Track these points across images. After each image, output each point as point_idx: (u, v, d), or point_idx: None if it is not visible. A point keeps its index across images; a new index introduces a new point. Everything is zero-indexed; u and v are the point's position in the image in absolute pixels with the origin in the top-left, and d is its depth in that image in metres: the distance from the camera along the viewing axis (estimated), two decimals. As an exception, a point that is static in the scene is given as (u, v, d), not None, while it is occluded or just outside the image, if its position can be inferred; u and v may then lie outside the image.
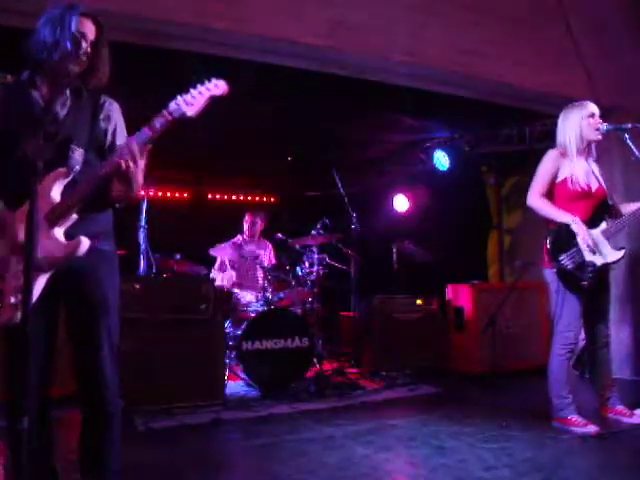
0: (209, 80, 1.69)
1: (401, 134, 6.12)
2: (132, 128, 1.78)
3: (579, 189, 3.00)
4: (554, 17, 4.28)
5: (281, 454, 2.73)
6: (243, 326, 4.26)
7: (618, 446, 2.78)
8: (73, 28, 1.70)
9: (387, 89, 4.29)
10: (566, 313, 3.00)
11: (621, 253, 3.02)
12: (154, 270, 4.46)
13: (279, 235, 5.18)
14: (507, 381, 4.43)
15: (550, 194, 3.10)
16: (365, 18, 3.68)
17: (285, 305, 4.69)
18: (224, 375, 3.92)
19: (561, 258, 2.97)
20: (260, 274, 5.08)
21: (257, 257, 5.34)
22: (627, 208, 3.09)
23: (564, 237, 2.98)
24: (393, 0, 3.81)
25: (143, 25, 3.20)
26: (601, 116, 3.13)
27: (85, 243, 1.63)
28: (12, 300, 1.57)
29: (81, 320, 1.81)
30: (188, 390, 3.64)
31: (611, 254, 3.01)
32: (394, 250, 5.95)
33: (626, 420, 3.07)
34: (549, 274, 3.06)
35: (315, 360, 4.47)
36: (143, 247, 4.45)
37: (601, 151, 3.21)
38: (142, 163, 1.68)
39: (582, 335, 3.19)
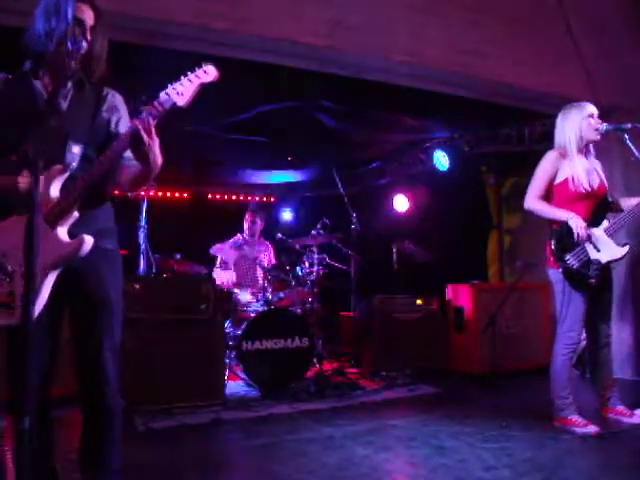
0: (199, 67, 1.66)
1: (401, 134, 6.12)
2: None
3: (582, 190, 3.00)
4: (554, 17, 4.28)
5: (281, 454, 2.73)
6: (243, 326, 4.26)
7: (618, 446, 2.78)
8: (69, 16, 1.67)
9: (387, 89, 4.29)
10: (571, 313, 2.99)
11: (625, 249, 3.01)
12: (154, 270, 4.46)
13: (279, 235, 5.18)
14: (507, 381, 4.43)
15: (549, 196, 3.10)
16: (365, 18, 3.68)
17: (285, 305, 4.69)
18: (224, 375, 3.92)
19: (567, 258, 2.97)
20: (260, 274, 5.09)
21: (257, 257, 5.35)
22: (627, 203, 3.09)
23: (567, 236, 2.98)
24: (393, 0, 3.81)
25: (143, 25, 3.20)
26: (601, 116, 3.13)
27: (89, 241, 1.62)
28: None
29: (83, 319, 1.80)
30: (188, 390, 3.64)
31: (615, 251, 3.00)
32: (394, 250, 5.95)
33: (626, 420, 3.07)
34: (554, 274, 3.06)
35: (315, 360, 4.47)
36: (143, 247, 4.45)
37: (601, 151, 3.21)
38: (156, 138, 1.66)
39: (583, 335, 3.19)
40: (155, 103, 1.62)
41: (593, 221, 3.02)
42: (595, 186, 3.05)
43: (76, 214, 1.68)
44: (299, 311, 4.74)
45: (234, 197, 8.30)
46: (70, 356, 1.81)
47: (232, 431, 3.24)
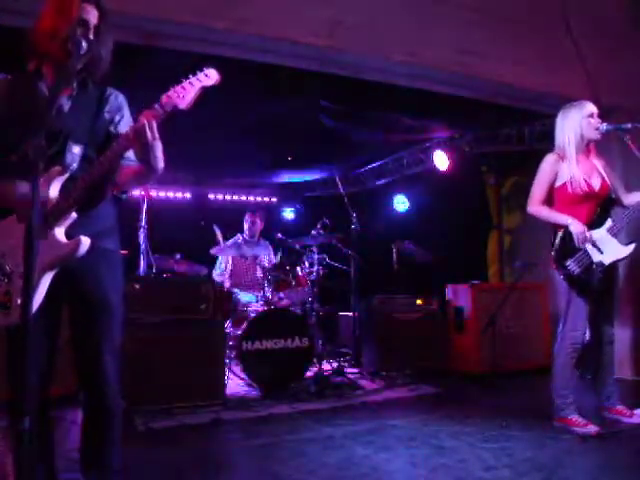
0: (200, 70, 1.66)
1: (401, 134, 6.12)
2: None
3: (580, 192, 2.99)
4: (554, 17, 4.28)
5: (281, 454, 2.73)
6: (243, 326, 4.26)
7: (618, 446, 2.78)
8: (74, 17, 1.67)
9: (387, 89, 4.29)
10: (573, 314, 2.99)
11: (630, 248, 2.99)
12: (154, 270, 4.46)
13: (279, 235, 5.18)
14: (507, 381, 4.43)
15: (551, 198, 3.11)
16: (365, 18, 3.67)
17: (285, 305, 4.70)
18: (224, 375, 3.92)
19: (567, 264, 2.96)
20: (260, 274, 5.09)
21: (257, 257, 5.35)
22: (629, 199, 3.07)
23: (569, 241, 2.98)
24: (393, 0, 3.81)
25: (143, 25, 3.20)
26: (601, 116, 3.13)
27: (85, 243, 1.63)
28: (19, 301, 1.57)
29: (82, 320, 1.80)
30: (188, 390, 3.64)
31: (619, 251, 2.98)
32: (394, 250, 5.95)
33: (626, 420, 3.07)
34: (557, 275, 3.05)
35: (315, 360, 4.47)
36: (143, 247, 4.45)
37: (601, 151, 3.21)
38: (157, 134, 1.66)
39: (586, 335, 3.18)
40: (156, 105, 1.63)
41: (596, 222, 3.00)
42: (597, 186, 3.04)
43: (74, 215, 1.68)
44: (299, 311, 4.73)
45: (234, 197, 8.30)
46: (69, 356, 1.81)
47: (232, 431, 3.24)
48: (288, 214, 8.35)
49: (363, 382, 4.53)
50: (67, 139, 1.72)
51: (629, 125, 2.99)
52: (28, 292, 1.30)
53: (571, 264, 2.96)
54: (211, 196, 8.11)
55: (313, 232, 4.89)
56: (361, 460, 2.61)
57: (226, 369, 4.02)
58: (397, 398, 4.09)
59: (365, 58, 3.84)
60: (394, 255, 5.95)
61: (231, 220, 5.87)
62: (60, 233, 1.66)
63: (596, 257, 2.95)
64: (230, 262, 5.39)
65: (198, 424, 3.30)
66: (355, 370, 4.96)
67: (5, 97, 1.75)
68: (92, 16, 1.74)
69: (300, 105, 5.00)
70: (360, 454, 2.70)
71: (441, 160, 6.21)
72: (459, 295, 5.03)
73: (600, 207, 3.03)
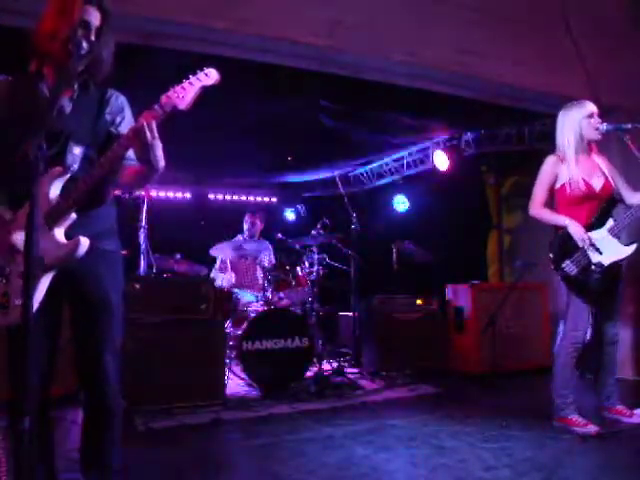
0: (200, 70, 1.66)
1: (401, 134, 6.12)
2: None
3: (578, 193, 2.99)
4: (554, 17, 4.28)
5: (281, 454, 2.73)
6: (243, 326, 4.26)
7: (618, 446, 2.78)
8: (75, 18, 1.67)
9: (387, 89, 4.29)
10: (574, 314, 2.99)
11: (631, 248, 2.98)
12: (154, 270, 4.46)
13: (279, 235, 5.18)
14: (507, 381, 4.43)
15: (552, 200, 3.11)
16: (365, 18, 3.68)
17: (285, 305, 4.70)
18: (224, 375, 3.92)
19: (564, 265, 2.96)
20: (260, 274, 5.09)
21: (257, 257, 5.35)
22: (633, 199, 3.05)
23: (567, 242, 2.98)
24: (393, 0, 3.81)
25: (142, 25, 3.20)
26: (601, 116, 3.13)
27: (84, 243, 1.62)
28: (17, 301, 1.57)
29: (83, 320, 1.80)
30: (188, 390, 3.64)
31: (619, 251, 2.98)
32: (394, 250, 5.95)
33: (626, 420, 3.07)
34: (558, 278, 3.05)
35: (315, 360, 4.47)
36: (143, 247, 4.45)
37: (601, 151, 3.20)
38: (159, 141, 1.66)
39: (587, 335, 3.18)
40: (156, 106, 1.62)
41: (597, 222, 3.00)
42: (598, 187, 3.03)
43: (74, 216, 1.68)
44: (299, 311, 4.73)
45: (234, 197, 8.30)
46: (70, 356, 1.81)
47: (232, 431, 3.24)
48: (288, 214, 8.35)
49: (363, 382, 4.53)
50: (68, 140, 1.72)
51: (629, 125, 2.98)
52: (28, 293, 1.30)
53: (568, 265, 2.96)
54: (211, 196, 8.11)
55: (313, 232, 4.89)
56: (361, 460, 2.61)
57: (226, 369, 4.02)
58: (397, 398, 4.09)
59: (365, 58, 3.84)
60: (394, 255, 5.95)
61: (231, 220, 5.87)
62: (60, 234, 1.66)
63: (595, 258, 2.95)
64: (230, 262, 5.39)
65: (198, 424, 3.30)
66: (355, 370, 4.95)
67: (6, 98, 1.75)
68: (94, 18, 1.74)
69: (300, 105, 5.00)
70: (360, 454, 2.70)
71: (441, 160, 6.21)
72: (459, 295, 5.03)
73: (602, 207, 3.03)
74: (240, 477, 2.60)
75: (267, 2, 3.44)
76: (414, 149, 6.77)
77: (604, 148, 3.24)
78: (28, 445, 1.25)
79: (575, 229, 2.94)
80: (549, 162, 3.11)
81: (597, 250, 2.95)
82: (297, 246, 5.02)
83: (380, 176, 7.45)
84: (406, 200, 7.31)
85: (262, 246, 5.53)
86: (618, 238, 2.99)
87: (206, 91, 1.67)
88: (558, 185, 3.08)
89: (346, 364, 5.11)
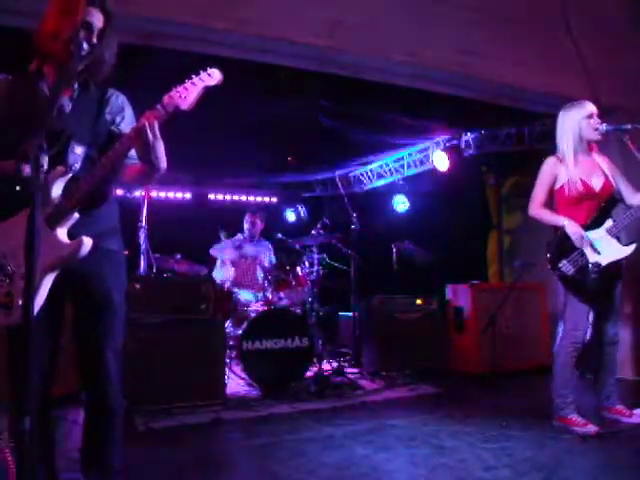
0: (203, 70, 1.66)
1: (401, 134, 6.12)
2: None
3: (575, 193, 3.00)
4: (554, 17, 4.28)
5: (281, 454, 2.74)
6: (243, 326, 4.26)
7: (618, 446, 2.78)
8: (77, 19, 1.68)
9: (387, 89, 4.29)
10: (572, 314, 2.99)
11: (630, 249, 2.98)
12: (154, 270, 4.46)
13: (279, 235, 5.18)
14: (507, 381, 4.44)
15: (552, 200, 3.12)
16: (365, 18, 3.68)
17: (285, 305, 4.70)
18: (224, 375, 3.93)
19: (561, 265, 2.97)
20: (260, 274, 5.09)
21: (257, 257, 5.35)
22: (634, 199, 3.06)
23: (565, 241, 2.98)
24: (393, 0, 3.81)
25: (142, 25, 3.20)
26: (601, 116, 3.13)
27: (87, 243, 1.63)
28: (21, 302, 1.57)
29: (85, 319, 1.81)
30: (188, 390, 3.64)
31: (618, 251, 2.98)
32: (394, 250, 5.95)
33: (626, 420, 3.07)
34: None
35: (315, 360, 4.47)
36: (143, 247, 4.45)
37: (601, 151, 3.21)
38: (161, 140, 1.66)
39: (587, 335, 3.18)
40: (158, 106, 1.63)
41: (595, 222, 3.00)
42: (597, 187, 3.03)
43: (76, 215, 1.68)
44: (299, 311, 4.74)
45: (234, 197, 8.29)
46: (71, 355, 1.81)
47: (232, 431, 3.24)
48: (289, 214, 8.35)
49: (363, 382, 4.53)
50: (69, 140, 1.73)
51: (629, 125, 2.98)
52: (30, 293, 1.30)
53: (565, 264, 2.96)
54: (211, 196, 8.10)
55: (313, 232, 4.89)
56: (361, 460, 2.62)
57: (226, 369, 4.03)
58: (397, 398, 4.09)
59: (365, 58, 3.84)
60: (394, 255, 5.95)
61: (231, 220, 5.87)
62: (62, 234, 1.66)
63: (593, 257, 2.95)
64: (230, 262, 5.39)
65: (198, 424, 3.30)
66: (355, 370, 4.96)
67: (6, 98, 1.76)
68: (97, 19, 1.74)
69: (300, 105, 5.00)
70: (360, 454, 2.71)
71: (441, 160, 6.21)
72: (459, 295, 5.04)
73: (601, 207, 3.03)
74: (240, 477, 2.60)
75: (267, 2, 3.45)
76: (414, 149, 6.77)
77: (604, 148, 3.24)
78: (29, 445, 1.25)
79: (572, 229, 2.95)
80: (549, 163, 3.12)
81: (595, 250, 2.95)
82: (297, 246, 5.02)
83: (380, 176, 7.45)
84: (406, 200, 7.31)
85: (262, 246, 5.54)
86: (617, 238, 2.99)
87: (207, 91, 1.67)
88: (557, 186, 3.09)
89: (346, 364, 5.11)
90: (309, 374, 4.40)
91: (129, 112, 1.90)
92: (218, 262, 5.42)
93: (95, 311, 1.79)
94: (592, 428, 2.89)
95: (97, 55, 1.76)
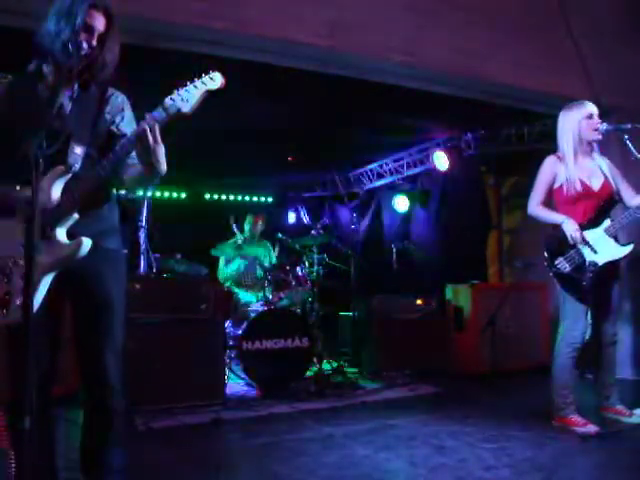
0: (205, 73, 1.66)
1: (401, 134, 6.12)
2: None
3: (573, 193, 3.00)
4: (554, 18, 4.28)
5: (281, 454, 2.74)
6: (243, 326, 4.26)
7: (617, 446, 2.78)
8: (78, 21, 1.69)
9: (387, 89, 4.29)
10: (570, 313, 3.00)
11: (627, 249, 2.99)
12: (154, 270, 4.46)
13: (279, 235, 5.19)
14: (507, 381, 4.44)
15: (551, 199, 3.12)
16: (365, 18, 3.68)
17: (285, 305, 4.70)
18: (224, 375, 3.92)
19: (557, 262, 2.98)
20: (260, 274, 5.09)
21: (257, 257, 5.35)
22: (633, 201, 3.07)
23: (562, 240, 2.99)
24: (393, 0, 3.81)
25: (143, 26, 3.20)
26: (601, 116, 3.13)
27: (86, 244, 1.63)
28: (19, 302, 1.58)
29: (85, 319, 1.80)
30: (188, 390, 3.64)
31: (615, 251, 2.98)
32: (394, 250, 5.95)
33: (625, 420, 3.07)
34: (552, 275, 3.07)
35: (315, 360, 4.47)
36: (143, 247, 4.45)
37: (601, 151, 3.21)
38: (160, 139, 1.66)
39: (586, 335, 3.18)
40: (160, 108, 1.63)
41: (593, 221, 3.01)
42: (596, 187, 3.04)
43: (75, 216, 1.68)
44: (299, 311, 4.73)
45: (234, 197, 8.29)
46: (71, 355, 1.81)
47: (232, 431, 3.24)
48: (289, 215, 8.35)
49: (363, 382, 4.53)
50: (69, 140, 1.73)
51: (629, 125, 2.99)
52: (30, 293, 1.30)
53: (561, 262, 2.97)
54: (211, 196, 8.11)
55: (313, 232, 4.89)
56: (361, 460, 2.62)
57: (226, 369, 4.03)
58: (397, 398, 4.09)
59: (365, 58, 3.84)
60: (394, 255, 5.95)
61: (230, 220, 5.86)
62: (62, 234, 1.66)
63: (589, 256, 2.96)
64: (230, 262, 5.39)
65: (198, 424, 3.30)
66: (355, 370, 4.96)
67: (6, 97, 1.76)
68: (98, 22, 1.75)
69: (300, 105, 5.00)
70: (360, 454, 2.71)
71: (441, 160, 6.21)
72: (459, 295, 5.04)
73: (599, 207, 3.03)
74: (240, 477, 2.60)
75: (267, 2, 3.45)
76: (414, 149, 6.77)
77: (604, 148, 3.25)
78: (29, 444, 1.25)
79: (570, 226, 2.95)
80: (548, 162, 3.13)
81: (592, 249, 2.96)
82: (297, 246, 5.02)
83: (380, 176, 7.45)
84: (406, 200, 7.30)
85: (262, 246, 5.54)
86: (614, 238, 3.00)
87: (208, 95, 1.67)
88: (556, 185, 3.09)
89: (346, 364, 5.11)
90: (309, 374, 4.40)
91: (128, 112, 1.90)
92: (222, 261, 5.42)
93: (95, 311, 1.79)
94: (592, 428, 2.89)
95: (97, 57, 1.76)
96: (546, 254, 3.03)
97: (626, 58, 4.52)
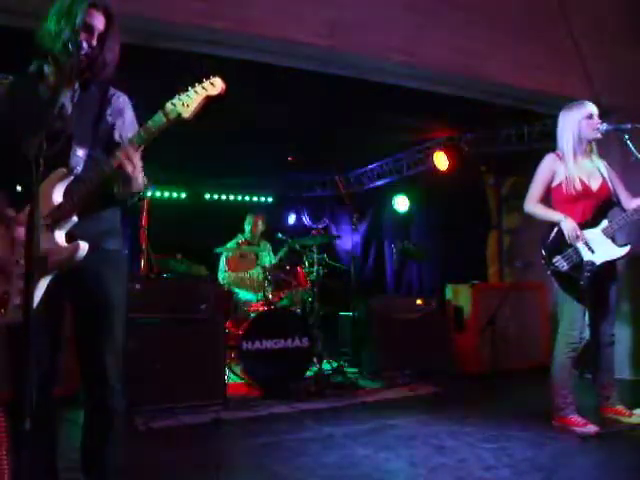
0: (206, 78, 1.67)
1: (401, 134, 6.12)
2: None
3: (573, 192, 3.01)
4: (554, 18, 4.28)
5: (281, 454, 2.74)
6: (243, 326, 4.26)
7: (617, 446, 2.78)
8: (78, 20, 1.69)
9: (387, 89, 4.29)
10: (567, 313, 3.01)
11: (624, 250, 3.00)
12: (154, 270, 4.46)
13: (279, 235, 5.19)
14: (507, 381, 4.44)
15: (549, 197, 3.12)
16: (365, 18, 3.68)
17: (285, 305, 4.70)
18: (224, 375, 3.92)
19: (555, 260, 2.98)
20: (260, 274, 5.09)
21: (257, 257, 5.35)
22: (631, 203, 3.08)
23: (560, 238, 2.99)
24: (393, 0, 3.81)
25: (142, 25, 3.20)
26: (601, 116, 3.13)
27: (83, 248, 1.63)
28: (17, 301, 1.58)
29: (85, 320, 1.81)
30: (188, 390, 3.64)
31: (612, 252, 2.99)
32: (394, 250, 5.95)
33: (625, 420, 3.07)
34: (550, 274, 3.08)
35: (315, 360, 4.47)
36: (143, 247, 4.45)
37: (601, 151, 3.21)
38: (139, 165, 1.67)
39: (584, 334, 3.19)
40: (160, 113, 1.63)
41: (591, 221, 3.01)
42: (595, 187, 3.05)
43: (75, 219, 1.68)
44: (299, 311, 4.73)
45: (234, 197, 8.29)
46: (71, 356, 1.81)
47: (232, 431, 3.24)
48: (289, 215, 8.35)
49: (363, 382, 4.53)
50: (71, 142, 1.73)
51: (629, 125, 2.99)
52: (29, 293, 1.30)
53: (559, 260, 2.97)
54: (212, 196, 8.10)
55: (313, 232, 4.89)
56: (361, 460, 2.62)
57: (226, 369, 4.03)
58: (397, 398, 4.09)
59: (365, 58, 3.84)
60: (394, 255, 5.95)
61: (231, 220, 5.87)
62: (60, 237, 1.66)
63: (587, 256, 2.96)
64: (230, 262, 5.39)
65: (198, 424, 3.30)
66: (355, 370, 4.96)
67: (7, 98, 1.76)
68: (98, 22, 1.76)
69: (300, 105, 5.00)
70: (360, 454, 2.71)
71: (441, 160, 6.20)
72: (459, 295, 5.04)
73: (597, 207, 3.04)
74: (240, 477, 2.60)
75: (267, 2, 3.45)
76: (414, 149, 6.77)
77: (604, 148, 3.25)
78: (29, 445, 1.25)
79: (568, 225, 2.95)
80: (547, 159, 3.13)
81: (590, 248, 2.96)
82: (297, 246, 5.02)
83: (380, 176, 7.45)
84: (406, 200, 7.31)
85: (262, 246, 5.54)
86: (612, 239, 3.00)
87: (209, 100, 1.67)
88: (555, 183, 3.09)
89: (346, 364, 5.11)
90: (309, 374, 4.40)
91: (129, 114, 1.89)
92: (222, 262, 5.42)
93: (95, 311, 1.79)
94: (592, 428, 2.89)
95: (97, 57, 1.76)
96: (544, 252, 3.03)
97: (626, 58, 4.52)
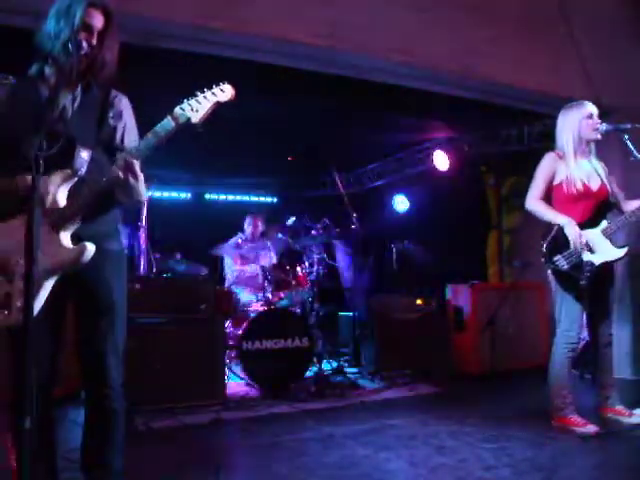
0: (216, 84, 1.66)
1: (401, 134, 6.12)
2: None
3: (574, 192, 3.01)
4: (554, 17, 4.28)
5: (281, 454, 2.74)
6: (243, 326, 4.26)
7: (617, 446, 2.78)
8: (77, 20, 1.69)
9: (387, 89, 4.29)
10: (566, 313, 3.01)
11: (622, 251, 3.00)
12: (154, 270, 4.46)
13: (279, 235, 5.19)
14: (507, 381, 4.44)
15: (549, 196, 3.12)
16: (365, 18, 3.68)
17: (285, 305, 4.70)
18: (224, 375, 3.92)
19: (556, 259, 2.99)
20: (260, 274, 5.09)
21: (257, 257, 5.35)
22: (629, 206, 3.08)
23: (561, 238, 2.99)
24: (393, 0, 3.81)
25: (142, 25, 3.19)
26: (601, 116, 3.13)
27: (90, 249, 1.63)
28: (19, 303, 1.57)
29: (86, 320, 1.81)
30: (188, 390, 3.64)
31: (611, 253, 3.00)
32: (394, 250, 5.95)
33: (625, 420, 3.07)
34: (549, 274, 3.08)
35: (315, 360, 4.47)
36: (143, 247, 4.45)
37: (601, 151, 3.21)
38: (140, 174, 1.67)
39: (583, 335, 3.20)
40: (169, 117, 1.63)
41: (591, 222, 3.02)
42: (595, 187, 3.05)
43: (79, 221, 1.68)
44: (299, 311, 4.73)
45: (234, 197, 8.29)
46: (71, 356, 1.81)
47: (232, 431, 3.25)
48: (289, 215, 8.34)
49: (363, 382, 4.53)
50: (74, 144, 1.72)
51: (628, 125, 2.99)
52: (29, 294, 1.30)
53: (559, 259, 2.98)
54: (212, 196, 8.11)
55: (313, 232, 4.89)
56: (361, 460, 2.62)
57: (226, 369, 4.03)
58: (397, 398, 4.09)
59: (365, 58, 3.83)
60: (394, 255, 5.95)
61: (231, 220, 5.87)
62: (66, 238, 1.66)
63: (586, 256, 2.96)
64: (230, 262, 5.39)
65: (198, 424, 3.30)
66: (355, 370, 4.96)
67: (8, 99, 1.76)
68: (97, 21, 1.75)
69: (300, 105, 5.00)
70: (360, 454, 2.71)
71: (441, 160, 6.21)
72: (459, 295, 5.03)
73: (597, 207, 3.05)
74: (240, 477, 2.60)
75: (267, 2, 3.45)
76: (414, 149, 6.77)
77: (604, 148, 3.25)
78: (29, 445, 1.25)
79: (571, 230, 2.95)
80: (548, 158, 3.14)
81: (589, 249, 2.97)
82: (297, 246, 5.02)
83: (380, 176, 7.45)
84: (406, 200, 7.31)
85: (262, 246, 5.54)
86: (610, 240, 3.01)
87: (218, 106, 1.66)
88: (555, 182, 3.10)
89: (346, 364, 5.11)
90: (309, 374, 4.40)
91: (129, 118, 1.89)
92: (228, 261, 5.41)
93: (97, 312, 1.79)
94: (592, 428, 2.89)
95: (97, 57, 1.76)
96: (544, 250, 3.03)
97: (626, 58, 4.52)
